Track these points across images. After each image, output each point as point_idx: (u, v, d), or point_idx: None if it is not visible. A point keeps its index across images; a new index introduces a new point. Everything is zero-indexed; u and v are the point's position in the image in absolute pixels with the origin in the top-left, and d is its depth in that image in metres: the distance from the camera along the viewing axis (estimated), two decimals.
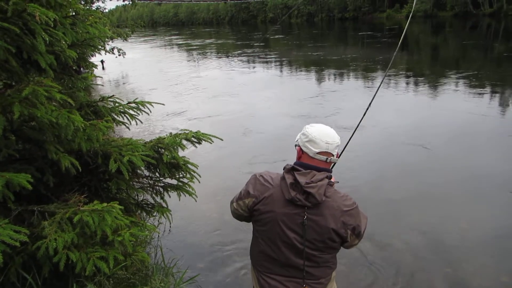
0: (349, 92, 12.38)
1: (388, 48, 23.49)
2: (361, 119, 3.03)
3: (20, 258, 2.18)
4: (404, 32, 3.53)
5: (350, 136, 2.90)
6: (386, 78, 14.04)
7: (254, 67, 20.00)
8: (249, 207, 1.87)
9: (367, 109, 2.98)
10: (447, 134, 7.57)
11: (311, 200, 1.71)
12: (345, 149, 2.72)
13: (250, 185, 1.89)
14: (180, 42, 43.16)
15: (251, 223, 2.00)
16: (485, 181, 5.54)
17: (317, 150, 1.76)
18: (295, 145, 1.88)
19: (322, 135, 1.77)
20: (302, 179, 1.71)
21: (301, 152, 1.83)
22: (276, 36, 42.12)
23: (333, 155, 1.80)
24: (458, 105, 9.81)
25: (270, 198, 1.79)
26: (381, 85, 3.02)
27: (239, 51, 28.55)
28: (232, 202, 2.00)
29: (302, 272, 1.84)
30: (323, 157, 1.77)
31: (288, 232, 1.78)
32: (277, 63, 21.08)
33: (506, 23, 37.89)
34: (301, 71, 18.01)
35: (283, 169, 1.83)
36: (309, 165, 1.77)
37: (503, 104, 9.65)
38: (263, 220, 1.83)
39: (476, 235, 4.28)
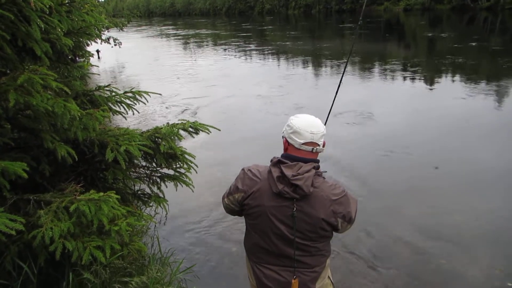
0: (311, 75, 14.46)
1: (361, 39, 24.94)
2: (334, 99, 3.04)
3: (15, 247, 2.17)
4: (359, 23, 3.54)
5: (326, 117, 2.91)
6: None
7: (237, 56, 21.09)
8: (239, 202, 1.88)
9: (338, 89, 3.03)
10: (443, 127, 7.59)
11: (299, 192, 1.71)
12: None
13: (239, 180, 1.89)
14: (172, 32, 43.12)
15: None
16: (480, 174, 5.57)
17: (302, 141, 1.76)
18: (282, 137, 1.88)
19: (306, 126, 1.76)
20: (288, 172, 1.71)
21: (287, 144, 1.83)
22: (265, 27, 42.82)
23: (318, 145, 1.79)
24: (454, 98, 9.81)
25: (259, 192, 1.80)
26: (345, 71, 3.15)
27: (224, 41, 30.06)
28: (223, 198, 2.01)
29: (295, 262, 1.85)
30: (309, 148, 1.77)
31: (278, 224, 1.78)
32: (256, 52, 22.15)
33: (503, 17, 37.86)
34: (272, 58, 19.62)
35: (270, 162, 1.83)
36: (296, 156, 1.77)
37: (500, 97, 9.66)
38: (253, 214, 1.84)
39: (470, 227, 4.31)
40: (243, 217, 2.02)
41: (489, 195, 5.02)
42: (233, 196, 1.90)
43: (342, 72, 3.33)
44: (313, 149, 1.77)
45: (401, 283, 3.51)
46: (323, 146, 1.83)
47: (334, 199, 1.76)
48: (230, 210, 2.01)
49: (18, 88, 2.06)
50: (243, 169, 1.92)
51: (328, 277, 2.07)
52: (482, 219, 4.47)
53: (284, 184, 1.72)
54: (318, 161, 1.81)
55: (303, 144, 1.76)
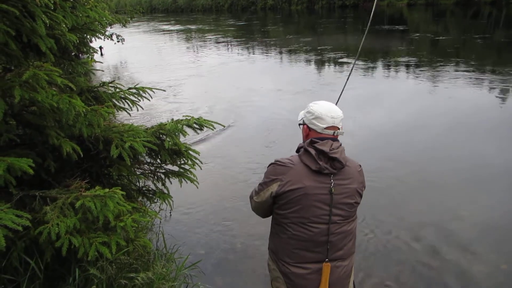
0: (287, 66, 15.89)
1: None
2: (342, 89, 3.07)
3: (22, 243, 2.17)
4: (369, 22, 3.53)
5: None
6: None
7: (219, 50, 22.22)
8: (276, 193, 1.86)
9: (347, 80, 3.09)
10: (448, 123, 7.55)
11: (336, 165, 1.81)
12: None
13: (270, 173, 1.92)
14: (167, 28, 43.41)
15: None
16: (486, 170, 5.54)
17: (324, 126, 1.86)
18: (299, 124, 1.98)
19: (327, 111, 1.87)
20: (324, 148, 1.80)
21: (308, 130, 1.93)
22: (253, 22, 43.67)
23: (339, 129, 1.90)
24: (458, 93, 9.77)
25: (296, 175, 1.83)
26: (354, 66, 3.19)
27: (214, 36, 31.02)
28: (251, 197, 2.03)
29: (334, 247, 1.88)
30: (331, 131, 1.87)
31: (319, 204, 1.83)
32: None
33: (508, 11, 37.56)
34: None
35: (300, 147, 1.92)
36: (323, 137, 1.85)
37: (504, 93, 9.60)
38: (294, 199, 1.84)
39: (476, 223, 4.29)
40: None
41: (494, 190, 4.99)
42: (266, 190, 1.90)
43: (351, 67, 3.36)
44: (334, 132, 1.88)
45: (405, 279, 3.50)
46: (342, 129, 1.95)
47: (359, 170, 1.94)
48: (261, 210, 2.03)
49: (23, 84, 2.06)
50: (270, 164, 1.96)
51: (353, 280, 2.13)
52: (487, 214, 4.45)
53: (323, 161, 1.80)
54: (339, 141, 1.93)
55: (325, 128, 1.87)
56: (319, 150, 1.80)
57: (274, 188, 1.86)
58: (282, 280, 1.98)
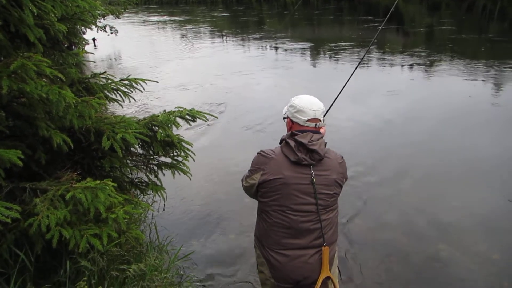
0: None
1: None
2: (345, 83, 3.08)
3: (12, 235, 2.16)
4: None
5: (334, 98, 2.97)
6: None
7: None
8: (257, 183, 1.96)
9: (352, 73, 3.10)
10: (442, 115, 7.57)
11: (315, 157, 1.88)
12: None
13: (254, 163, 2.02)
14: (162, 19, 43.22)
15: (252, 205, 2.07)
16: (479, 162, 5.58)
17: (306, 118, 1.94)
18: (284, 118, 2.07)
19: (308, 104, 1.95)
20: (304, 140, 1.87)
21: (291, 123, 2.01)
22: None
23: (320, 121, 1.98)
24: (453, 86, 9.78)
25: (276, 165, 1.92)
26: (362, 60, 3.16)
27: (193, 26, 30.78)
28: (242, 181, 2.13)
29: (317, 232, 1.94)
30: (312, 124, 1.95)
31: (298, 193, 1.90)
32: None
33: (502, 4, 37.54)
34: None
35: (282, 139, 1.99)
36: (304, 130, 1.93)
37: (498, 85, 9.63)
38: (274, 188, 1.92)
39: (469, 214, 4.32)
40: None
41: (487, 182, 5.03)
42: (252, 177, 1.99)
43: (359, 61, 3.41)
44: (316, 124, 1.96)
45: (398, 268, 3.53)
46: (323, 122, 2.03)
47: (340, 162, 2.01)
48: (250, 193, 2.12)
49: (11, 74, 2.03)
50: (257, 153, 2.03)
51: (337, 266, 2.19)
52: (480, 206, 4.49)
53: (301, 152, 1.87)
54: (320, 133, 1.99)
55: (307, 121, 1.94)
56: (299, 142, 1.88)
57: (257, 176, 1.95)
58: (266, 265, 2.05)
